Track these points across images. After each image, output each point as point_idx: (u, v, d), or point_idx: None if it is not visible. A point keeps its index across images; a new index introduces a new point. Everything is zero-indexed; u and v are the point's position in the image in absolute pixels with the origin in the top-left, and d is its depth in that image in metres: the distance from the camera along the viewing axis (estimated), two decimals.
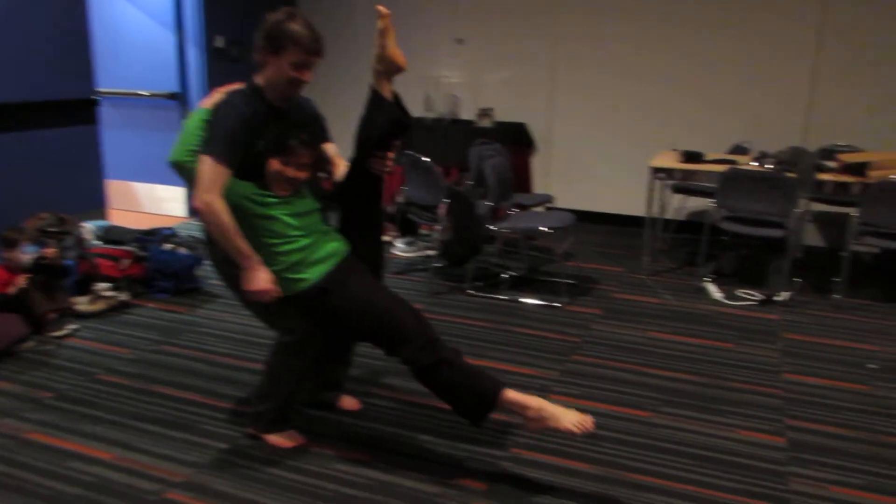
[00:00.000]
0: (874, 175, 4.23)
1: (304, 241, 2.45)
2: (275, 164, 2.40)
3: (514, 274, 4.77)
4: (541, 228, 4.25)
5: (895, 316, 4.19)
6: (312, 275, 2.44)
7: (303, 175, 2.44)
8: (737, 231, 4.48)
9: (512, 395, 2.37)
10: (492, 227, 4.34)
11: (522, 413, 2.35)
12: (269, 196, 2.42)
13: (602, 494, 2.39)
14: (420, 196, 4.62)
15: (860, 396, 3.16)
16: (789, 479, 2.52)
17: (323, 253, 2.48)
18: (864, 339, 3.84)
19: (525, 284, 4.58)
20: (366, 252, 2.62)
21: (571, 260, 5.18)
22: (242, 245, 2.37)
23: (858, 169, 4.30)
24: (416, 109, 6.38)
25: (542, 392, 3.10)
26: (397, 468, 2.52)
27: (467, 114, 6.30)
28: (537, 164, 6.40)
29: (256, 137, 2.38)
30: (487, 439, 2.72)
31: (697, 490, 2.44)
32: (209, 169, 2.30)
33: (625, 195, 6.10)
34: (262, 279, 2.40)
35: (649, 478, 2.50)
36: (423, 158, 4.42)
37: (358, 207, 2.64)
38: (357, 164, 2.54)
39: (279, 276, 2.44)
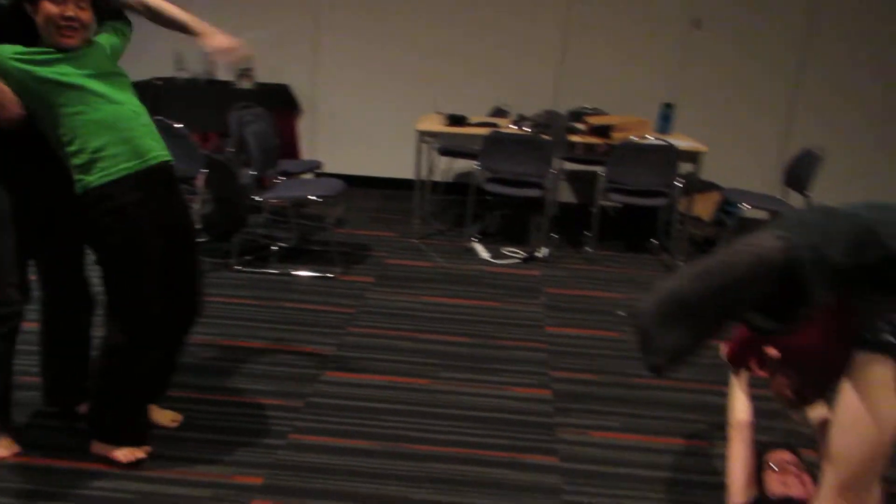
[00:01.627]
0: (617, 137, 4.60)
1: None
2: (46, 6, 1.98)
3: (283, 246, 4.56)
4: (310, 197, 4.09)
5: (638, 264, 4.64)
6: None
7: (85, 16, 2.04)
8: (500, 192, 4.66)
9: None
10: (257, 198, 4.08)
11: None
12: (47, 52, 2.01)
13: (384, 470, 2.35)
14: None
15: (613, 343, 3.45)
16: (556, 429, 2.67)
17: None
18: (613, 288, 4.19)
19: (296, 256, 4.40)
20: None
21: (343, 227, 5.07)
22: None
23: (604, 131, 4.65)
24: (166, 69, 5.81)
25: (319, 370, 2.99)
26: (163, 473, 2.28)
27: (225, 74, 5.87)
28: (304, 129, 6.17)
29: None
30: (261, 428, 2.56)
31: (474, 452, 2.49)
32: None
33: (394, 159, 6.10)
34: None
35: (430, 446, 2.51)
36: (176, 124, 4.02)
37: None
38: None
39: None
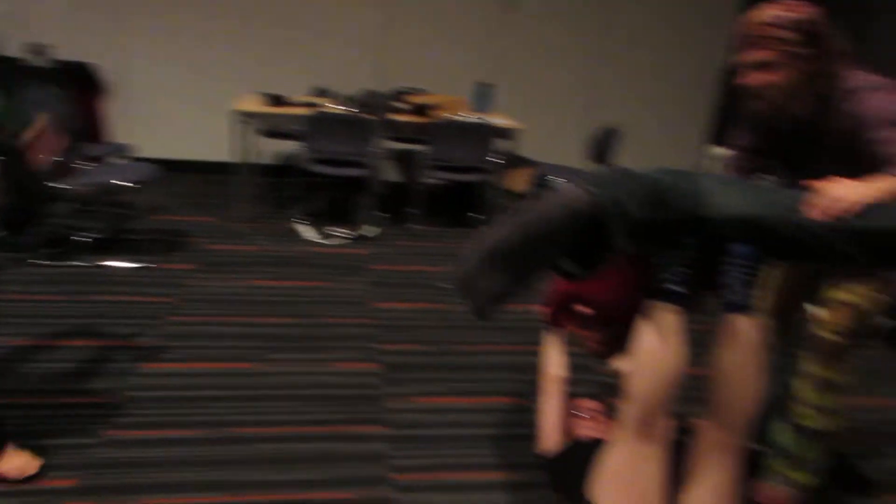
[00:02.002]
0: (436, 115, 4.74)
1: None
2: None
3: (92, 236, 4.27)
4: (118, 183, 3.86)
5: (460, 238, 4.83)
6: None
7: None
8: (324, 172, 4.65)
9: None
10: (57, 186, 3.79)
11: None
12: None
13: (211, 457, 2.32)
14: None
15: (437, 314, 3.59)
16: (383, 400, 2.75)
17: None
18: (437, 262, 4.34)
19: (108, 247, 4.14)
20: None
21: (160, 214, 4.84)
22: None
23: (423, 110, 4.77)
24: None
25: (135, 363, 2.86)
26: None
27: (13, 50, 5.34)
28: (116, 110, 5.77)
29: None
30: (74, 428, 2.42)
31: (302, 429, 2.52)
32: None
33: (212, 141, 5.87)
34: None
35: (257, 428, 2.50)
36: None
37: None
38: None
39: None
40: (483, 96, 5.19)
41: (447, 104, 4.87)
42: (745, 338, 1.70)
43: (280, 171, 5.98)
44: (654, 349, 1.68)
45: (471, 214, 5.43)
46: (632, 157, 6.06)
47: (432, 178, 4.91)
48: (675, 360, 1.66)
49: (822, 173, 1.98)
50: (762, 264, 1.71)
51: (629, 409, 1.70)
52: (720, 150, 4.35)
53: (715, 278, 1.79)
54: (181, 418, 2.52)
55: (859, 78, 1.84)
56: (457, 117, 4.66)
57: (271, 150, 5.91)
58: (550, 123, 6.26)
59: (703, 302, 1.84)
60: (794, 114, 1.87)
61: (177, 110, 5.85)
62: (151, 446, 2.35)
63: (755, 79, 1.84)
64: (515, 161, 5.27)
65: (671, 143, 6.47)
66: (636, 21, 6.16)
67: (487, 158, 4.71)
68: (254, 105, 4.74)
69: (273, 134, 5.41)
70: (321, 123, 4.45)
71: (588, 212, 1.36)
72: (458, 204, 5.70)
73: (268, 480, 2.23)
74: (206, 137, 5.88)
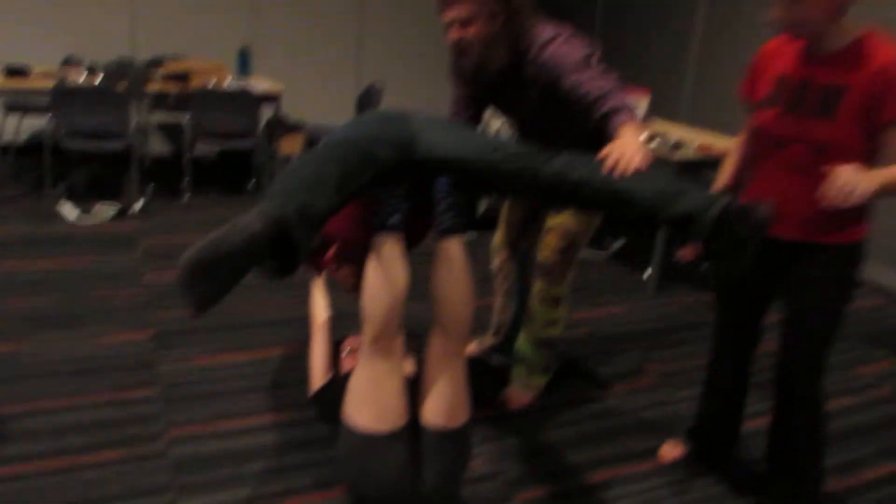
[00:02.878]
0: (196, 83, 4.69)
1: None
2: None
3: None
4: None
5: (237, 206, 4.86)
6: None
7: None
8: (80, 147, 4.45)
9: None
10: None
11: None
12: None
13: None
14: None
15: None
16: (156, 364, 2.81)
17: None
18: (209, 230, 4.35)
19: None
20: None
21: None
22: None
23: (182, 77, 4.70)
24: None
25: None
26: None
27: None
28: None
29: None
30: None
31: (72, 401, 2.52)
32: None
33: None
34: None
35: (17, 405, 2.46)
36: None
37: None
38: None
39: None
40: (243, 61, 5.20)
41: (208, 70, 4.83)
42: (454, 257, 1.99)
43: (33, 149, 5.58)
44: (379, 275, 1.90)
45: (247, 182, 5.45)
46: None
47: (200, 148, 4.87)
48: (398, 283, 1.90)
49: (535, 117, 2.33)
50: (462, 193, 2.01)
51: (365, 329, 1.93)
52: None
53: (429, 207, 2.06)
54: None
55: (547, 30, 2.17)
56: (219, 85, 4.65)
57: (24, 127, 5.48)
58: (318, 84, 6.38)
59: (422, 230, 2.13)
60: (494, 65, 2.15)
61: None
62: None
63: (456, 33, 2.10)
64: (284, 125, 5.35)
65: (434, 97, 6.86)
66: None
67: (255, 124, 4.76)
68: None
69: (18, 108, 5.03)
70: (68, 95, 4.24)
71: (265, 232, 1.52)
72: (232, 172, 5.68)
73: (31, 452, 2.24)
74: None
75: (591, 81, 1.98)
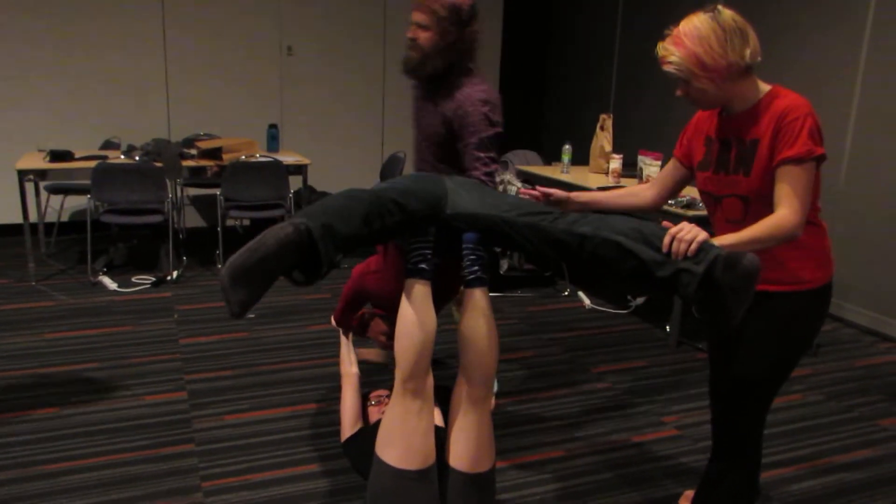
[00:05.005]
0: (227, 157, 4.96)
1: None
2: None
3: None
4: None
5: None
6: None
7: None
8: (119, 222, 4.70)
9: None
10: None
11: None
12: None
13: (14, 494, 2.40)
14: None
15: (243, 342, 3.80)
16: (192, 422, 2.94)
17: None
18: None
19: None
20: None
21: None
22: None
23: (214, 153, 4.97)
24: None
25: None
26: None
27: None
28: None
29: None
30: None
31: (112, 457, 2.65)
32: None
33: (1, 204, 5.67)
34: None
35: (63, 463, 2.60)
36: None
37: None
38: None
39: None
40: (272, 137, 5.49)
41: (240, 146, 5.11)
42: (479, 305, 2.10)
43: (77, 227, 5.87)
44: (408, 317, 2.01)
45: None
46: None
47: (233, 218, 5.11)
48: (427, 325, 2.01)
49: (424, 136, 2.57)
50: (488, 248, 2.15)
51: (398, 372, 2.04)
52: None
53: (454, 257, 2.20)
54: None
55: (483, 86, 2.42)
56: (249, 158, 4.92)
57: (66, 206, 5.79)
58: (343, 155, 6.67)
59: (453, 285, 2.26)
60: (426, 71, 2.43)
61: None
62: None
63: (412, 33, 2.41)
64: (312, 194, 5.59)
65: None
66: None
67: (284, 194, 4.99)
68: (37, 162, 4.70)
69: (62, 190, 5.34)
70: (107, 174, 4.52)
71: (295, 236, 1.73)
72: None
73: None
74: None
75: (476, 162, 2.37)
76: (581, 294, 4.84)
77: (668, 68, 1.84)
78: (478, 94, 2.37)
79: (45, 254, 5.29)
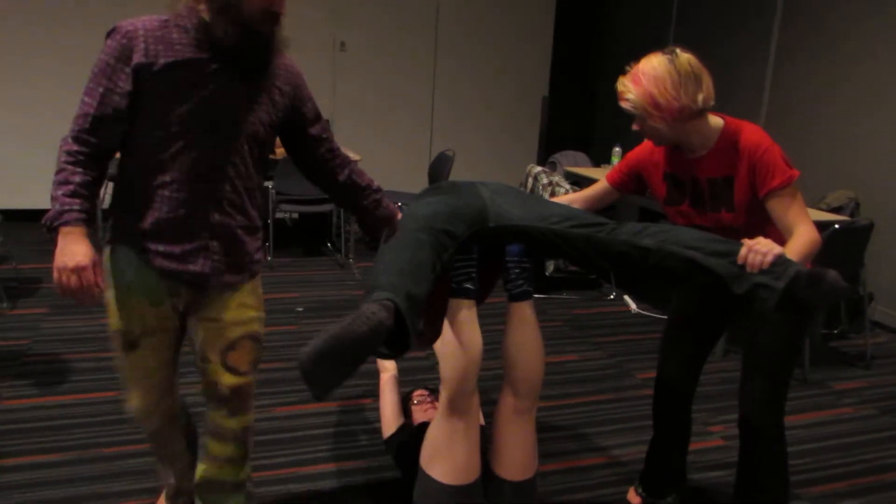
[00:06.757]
0: (280, 152, 5.04)
1: None
2: None
3: None
4: None
5: (313, 266, 5.13)
6: None
7: None
8: None
9: None
10: None
11: None
12: None
13: (74, 475, 2.49)
14: None
15: (292, 335, 3.87)
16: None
17: None
18: (291, 289, 4.63)
19: None
20: None
21: (5, 263, 4.81)
22: None
23: None
24: None
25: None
26: None
27: None
28: None
29: None
30: None
31: None
32: None
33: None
34: None
35: (119, 447, 2.69)
36: None
37: None
38: None
39: None
40: None
41: None
42: (526, 320, 2.09)
43: None
44: (454, 338, 1.99)
45: (325, 244, 5.74)
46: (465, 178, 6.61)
47: (283, 211, 5.20)
48: (473, 347, 1.98)
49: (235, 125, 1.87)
50: (532, 259, 2.14)
51: (443, 390, 2.02)
52: (538, 168, 4.94)
53: (498, 273, 2.20)
54: (42, 445, 2.67)
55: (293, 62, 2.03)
56: None
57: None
58: (392, 152, 6.72)
59: (488, 285, 2.27)
60: (217, 34, 1.78)
61: (18, 159, 5.80)
62: (8, 472, 2.50)
63: None
64: None
65: (501, 166, 7.11)
66: (465, 52, 6.77)
67: None
68: None
69: None
70: None
71: (389, 321, 1.62)
72: (313, 235, 6.00)
73: (133, 490, 2.44)
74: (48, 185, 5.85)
75: (336, 144, 2.07)
76: (627, 298, 4.81)
77: (624, 105, 1.91)
78: (303, 79, 2.08)
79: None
